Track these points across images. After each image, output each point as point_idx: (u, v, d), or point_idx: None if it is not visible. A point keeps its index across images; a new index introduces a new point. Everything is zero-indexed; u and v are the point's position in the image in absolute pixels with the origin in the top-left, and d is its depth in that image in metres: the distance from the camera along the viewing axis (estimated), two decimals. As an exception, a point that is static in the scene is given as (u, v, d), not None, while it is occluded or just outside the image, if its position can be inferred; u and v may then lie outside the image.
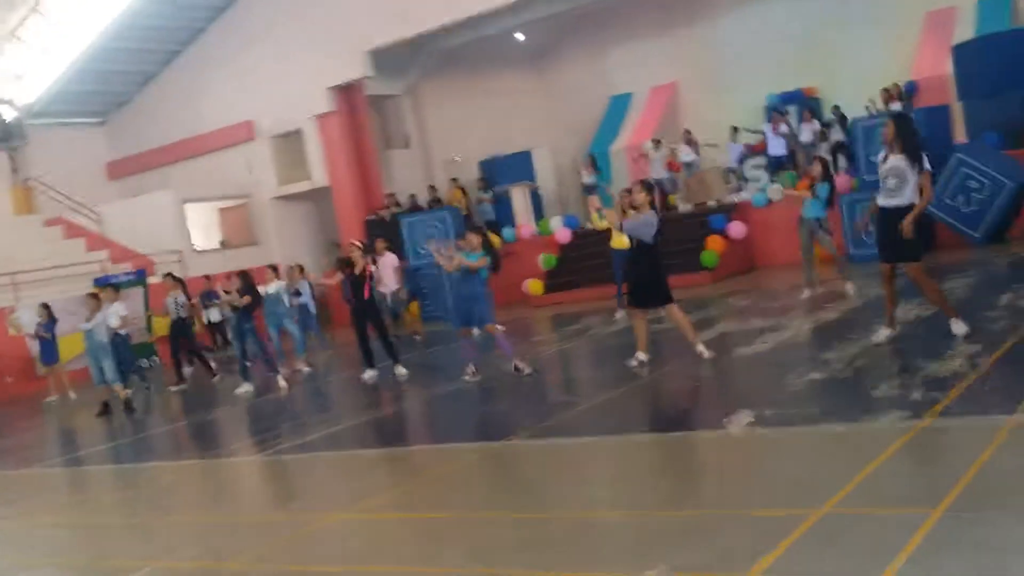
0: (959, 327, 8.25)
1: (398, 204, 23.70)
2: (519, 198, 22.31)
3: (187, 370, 16.17)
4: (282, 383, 13.32)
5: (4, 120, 24.79)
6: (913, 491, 4.97)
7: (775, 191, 18.86)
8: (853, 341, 9.15)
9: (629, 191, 10.03)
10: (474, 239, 10.78)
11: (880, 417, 6.34)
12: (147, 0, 22.71)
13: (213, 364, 16.24)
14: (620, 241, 12.77)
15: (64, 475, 10.24)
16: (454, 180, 24.05)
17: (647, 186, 9.68)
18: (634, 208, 9.57)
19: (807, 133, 19.50)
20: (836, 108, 20.21)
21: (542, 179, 24.11)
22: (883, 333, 8.67)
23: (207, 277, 18.96)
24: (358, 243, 12.74)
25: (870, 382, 7.45)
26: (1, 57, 24.93)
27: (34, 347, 18.49)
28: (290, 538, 6.12)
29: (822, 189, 12.54)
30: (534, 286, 19.85)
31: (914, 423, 6.08)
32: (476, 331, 11.26)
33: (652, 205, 9.47)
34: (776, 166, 19.90)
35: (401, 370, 12.23)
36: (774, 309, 12.68)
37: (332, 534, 6.06)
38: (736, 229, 18.59)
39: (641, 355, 9.70)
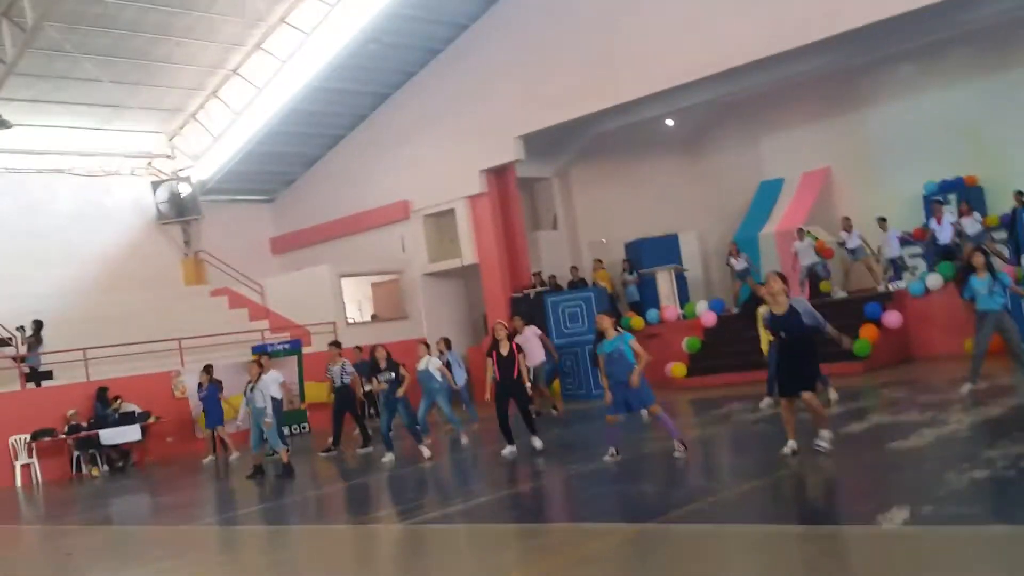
0: None
1: (543, 283, 24.00)
2: (664, 281, 22.26)
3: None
4: (426, 453, 13.59)
5: (181, 196, 26.54)
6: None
7: (934, 280, 18.23)
8: (1018, 440, 8.68)
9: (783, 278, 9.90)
10: (606, 321, 10.83)
11: (1048, 520, 5.98)
12: (314, 89, 24.08)
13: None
14: (765, 337, 12.68)
15: (217, 533, 10.65)
16: (599, 261, 24.21)
17: (782, 276, 9.58)
18: (771, 295, 9.50)
19: (974, 225, 18.79)
20: (1020, 193, 19.31)
21: (688, 262, 24.01)
22: None
23: (359, 348, 19.60)
24: (504, 324, 12.95)
25: (1037, 483, 7.05)
26: (181, 138, 26.83)
27: (197, 409, 19.52)
28: (431, 608, 6.19)
29: (989, 280, 11.99)
30: (677, 369, 19.65)
31: (1086, 529, 5.71)
32: (642, 413, 11.17)
33: (787, 296, 9.40)
34: (943, 255, 19.13)
35: (537, 441, 12.29)
36: (932, 402, 12.14)
37: (472, 607, 6.10)
38: (891, 318, 17.99)
39: (792, 443, 9.49)
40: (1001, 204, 20.15)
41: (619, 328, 10.93)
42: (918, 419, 10.81)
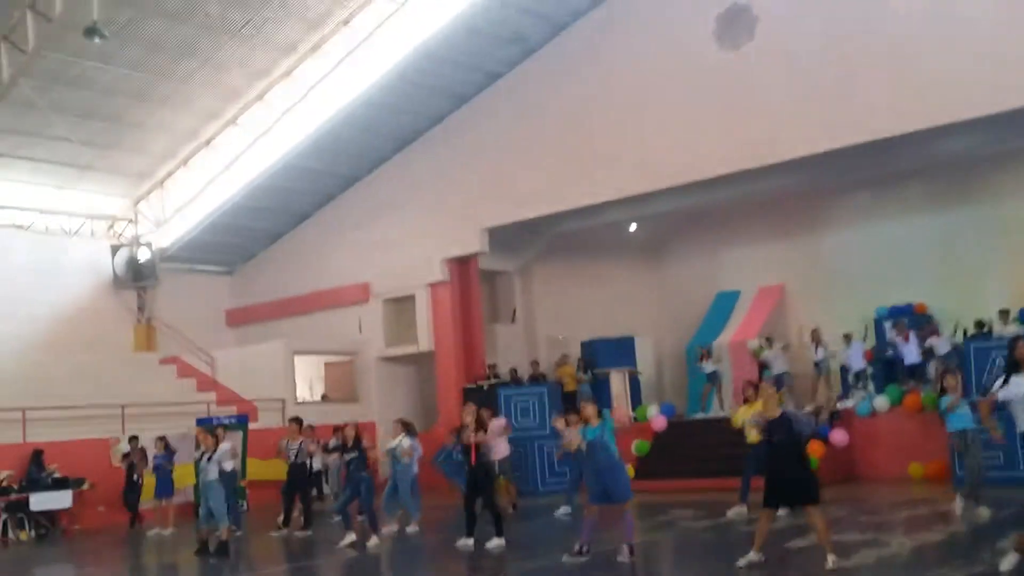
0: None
1: (496, 375, 23.98)
2: (618, 382, 22.38)
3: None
4: (375, 541, 13.31)
5: (139, 261, 26.33)
6: None
7: (881, 401, 18.54)
8: (958, 567, 8.76)
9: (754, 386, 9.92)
10: (590, 409, 10.80)
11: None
12: (283, 167, 24.26)
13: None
14: (753, 435, 12.70)
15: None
16: (565, 356, 24.27)
17: (777, 382, 9.69)
18: (764, 400, 9.54)
19: (945, 345, 19.22)
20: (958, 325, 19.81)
21: (642, 365, 24.19)
22: (1011, 559, 8.18)
23: (311, 427, 19.29)
24: (473, 407, 12.73)
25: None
26: (146, 203, 26.76)
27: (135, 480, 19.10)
28: None
29: (966, 402, 12.23)
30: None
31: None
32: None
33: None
34: (911, 375, 19.48)
35: (500, 542, 12.05)
36: (873, 523, 12.22)
37: None
38: (838, 436, 18.18)
39: (754, 555, 9.38)
40: (946, 332, 20.60)
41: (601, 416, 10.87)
42: (860, 539, 10.86)
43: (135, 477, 18.98)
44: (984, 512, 11.96)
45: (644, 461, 19.99)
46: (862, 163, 20.19)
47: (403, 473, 14.77)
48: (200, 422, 19.65)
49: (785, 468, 9.20)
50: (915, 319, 21.03)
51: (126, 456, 19.09)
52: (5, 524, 18.32)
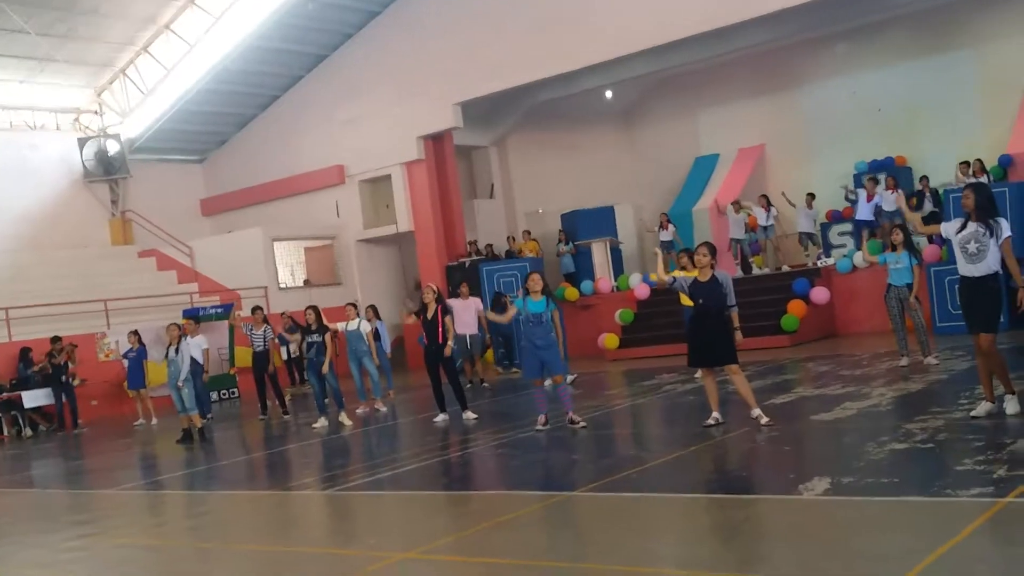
0: (1013, 406, 8.24)
1: (479, 252, 23.96)
2: (599, 252, 22.37)
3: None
4: (347, 421, 13.51)
5: (108, 154, 25.83)
6: (993, 570, 4.81)
7: (859, 257, 18.60)
8: (936, 414, 8.93)
9: (690, 252, 9.97)
10: (538, 280, 10.81)
11: (962, 492, 6.16)
12: (248, 48, 23.59)
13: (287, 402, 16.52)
14: (685, 299, 12.77)
15: (140, 498, 10.48)
16: (527, 232, 24.24)
17: (711, 248, 9.65)
18: (696, 267, 9.58)
19: (890, 202, 19.20)
20: (925, 178, 19.86)
21: (623, 235, 24.15)
22: (983, 407, 8.42)
23: (284, 314, 19.29)
24: (433, 287, 12.81)
25: (953, 456, 7.26)
26: (110, 94, 26.07)
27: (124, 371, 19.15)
28: (356, 574, 6.17)
29: (905, 256, 12.40)
30: (610, 340, 19.81)
31: (997, 500, 5.90)
32: (547, 382, 11.30)
33: (712, 268, 9.48)
34: (860, 232, 19.57)
35: (470, 415, 12.32)
36: (854, 377, 12.42)
37: (397, 573, 6.10)
38: (818, 294, 18.33)
39: (716, 415, 9.63)
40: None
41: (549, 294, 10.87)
42: (841, 392, 11.05)
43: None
44: (932, 361, 12.29)
45: (628, 329, 20.18)
46: (840, 13, 19.76)
47: (367, 355, 14.90)
48: (187, 313, 19.65)
49: (707, 331, 9.42)
50: (895, 172, 20.97)
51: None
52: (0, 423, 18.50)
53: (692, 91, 24.96)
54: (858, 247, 19.44)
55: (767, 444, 8.90)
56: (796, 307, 18.05)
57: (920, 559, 4.96)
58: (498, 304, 17.99)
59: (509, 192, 26.40)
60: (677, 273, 10.92)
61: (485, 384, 16.96)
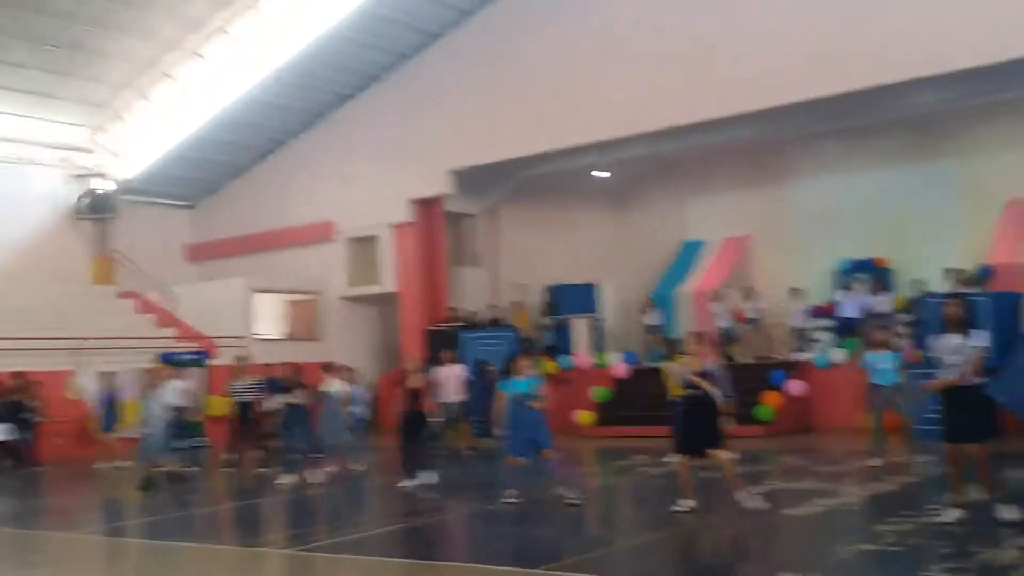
0: (1010, 513, 8.18)
1: (458, 319, 23.93)
2: (580, 328, 22.41)
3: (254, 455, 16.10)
4: (317, 479, 13.34)
5: (99, 193, 25.82)
6: None
7: (839, 354, 18.74)
8: (907, 517, 8.91)
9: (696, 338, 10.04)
10: (524, 362, 10.88)
11: (928, 598, 6.13)
12: (248, 100, 23.81)
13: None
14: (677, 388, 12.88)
15: (95, 543, 10.27)
16: (517, 303, 24.26)
17: (700, 337, 9.79)
18: (691, 354, 9.67)
19: (884, 304, 19.42)
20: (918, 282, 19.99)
21: (605, 312, 24.21)
22: (952, 513, 8.42)
23: (267, 365, 19.15)
24: (416, 359, 12.89)
25: (923, 562, 7.23)
26: (105, 135, 26.17)
27: (98, 411, 19.01)
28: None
29: (889, 356, 12.47)
30: (585, 417, 19.72)
31: (963, 609, 5.87)
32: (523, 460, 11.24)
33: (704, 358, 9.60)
34: (845, 331, 19.70)
35: (411, 484, 12.21)
36: (828, 473, 12.40)
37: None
38: (795, 387, 18.38)
39: (688, 502, 9.57)
40: (906, 287, 20.80)
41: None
42: (813, 488, 11.02)
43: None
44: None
45: (604, 407, 20.11)
46: (831, 114, 20.15)
47: (336, 416, 14.72)
48: (163, 357, 19.48)
49: (699, 421, 9.51)
50: (875, 272, 21.20)
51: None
52: (-42, 455, 18.15)
53: (683, 177, 25.27)
54: (839, 344, 19.60)
55: (735, 535, 8.85)
56: (772, 398, 18.07)
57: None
58: (482, 373, 17.96)
59: (495, 261, 26.49)
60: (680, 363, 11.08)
61: (468, 452, 16.82)
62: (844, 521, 9.13)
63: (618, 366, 20.79)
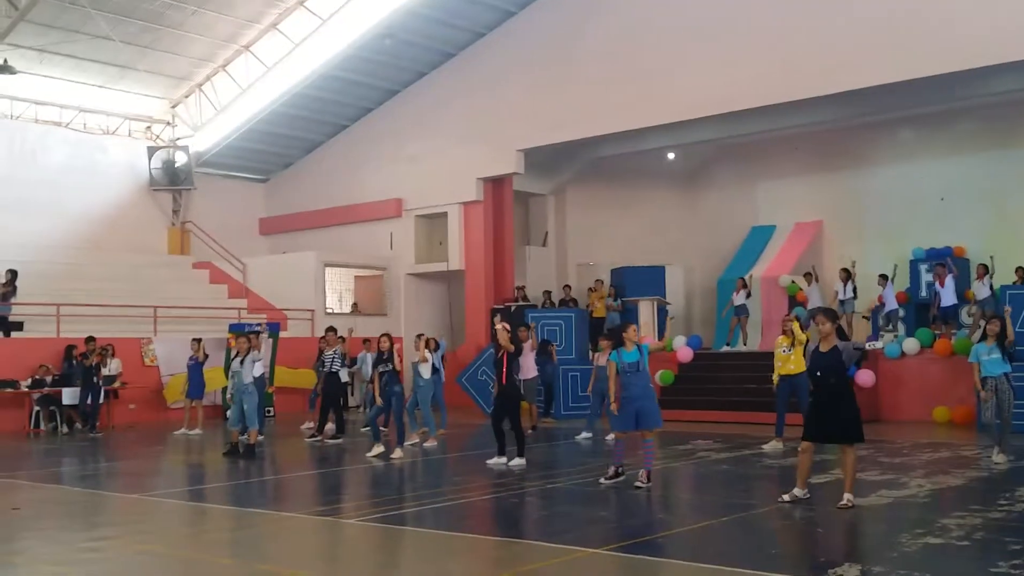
0: None
1: (525, 297, 24.02)
2: (646, 311, 22.30)
3: (330, 427, 16.32)
4: (399, 453, 13.51)
5: (175, 165, 26.40)
6: None
7: (911, 344, 18.38)
8: (975, 512, 8.73)
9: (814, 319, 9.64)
10: (632, 331, 10.76)
11: (995, 595, 6.01)
12: (323, 76, 24.09)
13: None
14: (790, 362, 12.74)
15: (173, 507, 10.56)
16: (599, 282, 24.15)
17: (830, 314, 9.41)
18: (822, 334, 9.25)
19: (984, 289, 18.90)
20: (983, 266, 19.46)
21: (672, 296, 24.05)
22: None
23: (341, 339, 19.43)
24: (507, 327, 12.51)
25: (990, 557, 7.08)
26: (183, 107, 26.72)
27: (167, 378, 19.59)
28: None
29: (996, 347, 12.07)
30: (648, 401, 19.61)
31: (1032, 608, 5.74)
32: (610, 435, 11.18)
33: (840, 334, 9.20)
34: (944, 317, 19.23)
35: (521, 462, 12.14)
36: (893, 464, 12.20)
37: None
38: (864, 377, 18.07)
39: (798, 491, 9.37)
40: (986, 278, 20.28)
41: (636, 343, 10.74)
42: (878, 479, 10.86)
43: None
44: (1001, 459, 11.91)
45: (667, 391, 20.00)
46: (909, 99, 19.71)
47: (424, 389, 14.88)
48: (233, 328, 19.92)
49: (833, 406, 9.06)
50: (954, 263, 20.69)
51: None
52: (37, 416, 18.80)
53: (754, 161, 24.95)
54: (911, 333, 19.16)
55: (799, 524, 8.76)
56: (839, 388, 17.77)
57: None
58: (543, 352, 18.00)
59: (562, 242, 26.50)
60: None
61: (530, 431, 16.93)
62: (910, 513, 8.98)
63: (683, 350, 20.65)
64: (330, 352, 16.41)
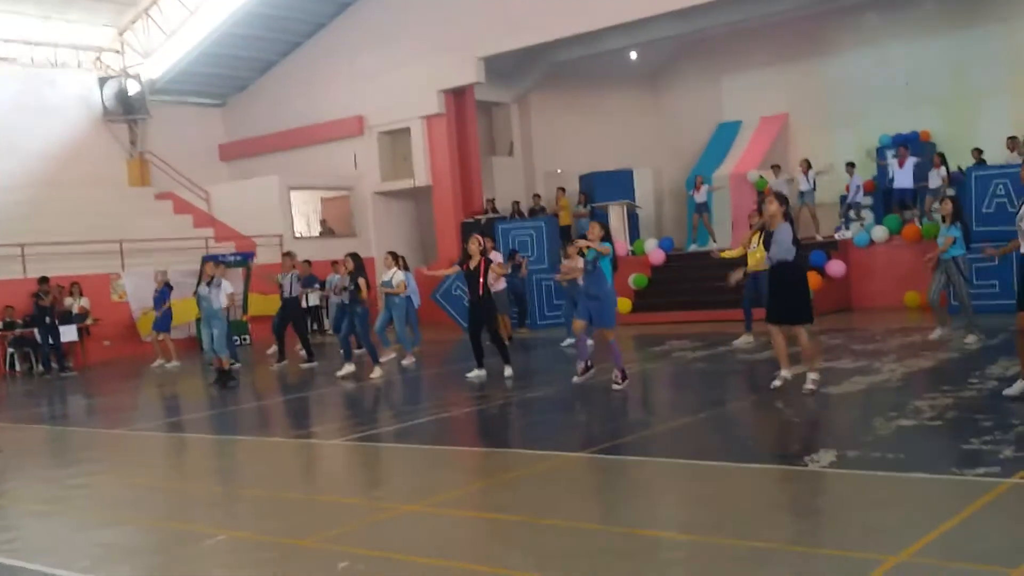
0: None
1: (495, 209, 23.91)
2: (616, 216, 22.26)
3: (302, 352, 16.30)
4: (378, 372, 13.52)
5: (128, 93, 25.76)
6: (993, 550, 4.82)
7: (880, 232, 18.50)
8: (946, 392, 8.91)
9: (760, 204, 9.70)
10: (597, 229, 10.75)
11: (967, 471, 6.16)
12: (275, -10, 23.43)
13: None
14: (755, 257, 12.69)
15: (155, 440, 10.59)
16: (561, 190, 24.10)
17: (780, 197, 9.41)
18: (769, 216, 9.25)
19: (936, 179, 18.99)
20: (940, 155, 19.52)
21: (641, 199, 24.03)
22: (1018, 386, 8.30)
23: (307, 262, 19.30)
24: (479, 238, 12.48)
25: (961, 435, 7.25)
26: (132, 34, 25.96)
27: (137, 312, 19.41)
28: (361, 523, 6.25)
29: (955, 229, 12.22)
30: (621, 304, 19.73)
31: (1003, 480, 5.89)
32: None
33: (786, 216, 9.22)
34: (900, 200, 19.37)
35: (509, 371, 12.20)
36: (866, 351, 12.40)
37: (401, 524, 6.17)
38: (835, 267, 18.24)
39: (785, 372, 9.54)
40: (952, 161, 20.39)
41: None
42: (851, 367, 11.04)
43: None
44: (972, 339, 12.13)
45: (641, 294, 20.15)
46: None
47: (398, 307, 14.86)
48: (208, 258, 19.70)
49: (785, 289, 9.23)
50: (919, 147, 20.73)
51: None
52: (11, 358, 18.69)
53: (717, 56, 24.69)
54: (878, 221, 19.30)
55: (774, 415, 8.91)
56: (811, 280, 17.92)
57: (921, 535, 4.98)
58: (512, 261, 17.98)
59: (528, 151, 26.28)
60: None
61: (507, 341, 16.99)
62: (884, 398, 9.15)
63: (655, 252, 20.72)
64: (287, 277, 16.24)
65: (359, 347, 14.71)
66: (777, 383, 9.52)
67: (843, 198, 20.68)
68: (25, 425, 12.28)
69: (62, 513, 7.19)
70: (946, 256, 12.26)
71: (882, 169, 20.68)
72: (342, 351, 14.08)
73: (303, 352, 16.18)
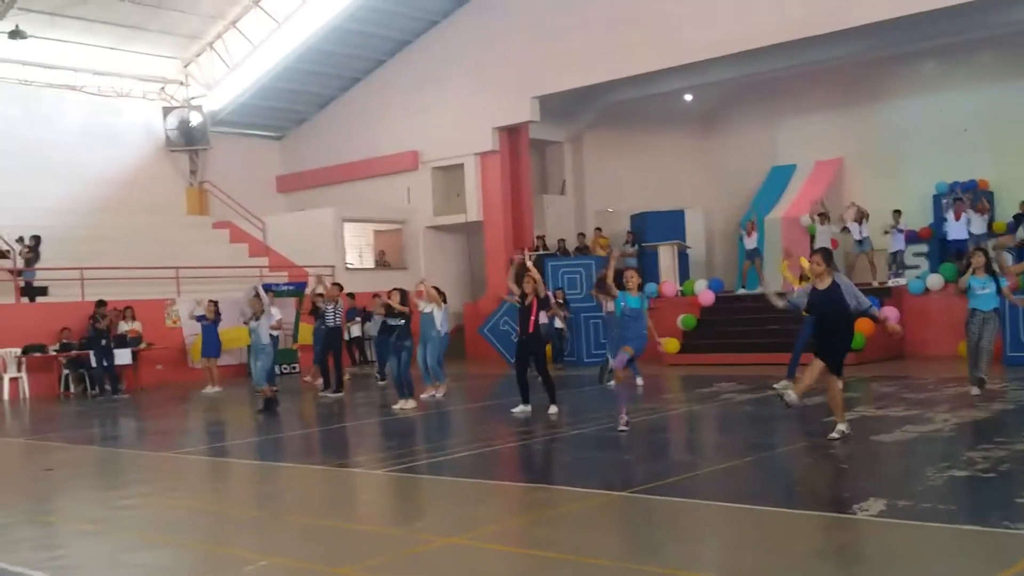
0: None
1: (545, 247, 23.97)
2: (666, 256, 22.22)
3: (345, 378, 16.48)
4: (405, 405, 13.57)
5: (190, 124, 26.37)
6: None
7: (935, 280, 18.23)
8: (1000, 444, 8.70)
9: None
10: (636, 278, 10.86)
11: (1020, 524, 6.00)
12: (334, 29, 23.87)
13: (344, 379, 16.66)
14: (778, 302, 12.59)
15: (201, 463, 10.70)
16: (598, 230, 24.17)
17: (827, 256, 9.38)
18: (815, 275, 9.28)
19: (980, 224, 18.71)
20: None
21: (692, 240, 23.95)
22: None
23: (351, 295, 19.50)
24: (536, 276, 12.36)
25: (1014, 488, 7.07)
26: (196, 66, 26.61)
27: (190, 339, 19.75)
28: (401, 554, 6.24)
29: (990, 280, 12.01)
30: (670, 344, 19.58)
31: (1058, 537, 5.73)
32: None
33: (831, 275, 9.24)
34: (956, 250, 19.11)
35: (554, 409, 12.11)
36: (918, 400, 12.16)
37: (442, 556, 6.15)
38: (887, 314, 17.92)
39: (843, 427, 9.31)
40: (1009, 210, 20.09)
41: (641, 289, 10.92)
42: (903, 415, 10.84)
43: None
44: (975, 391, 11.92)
45: (690, 335, 20.01)
46: (929, 30, 19.32)
47: (436, 340, 14.87)
48: (264, 287, 19.99)
49: (832, 338, 9.17)
50: (978, 195, 20.46)
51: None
52: (67, 379, 19.04)
53: (772, 100, 24.62)
54: (933, 269, 19.02)
55: (824, 461, 8.77)
56: (864, 325, 17.68)
57: (972, 589, 4.85)
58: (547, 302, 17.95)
59: (580, 189, 26.38)
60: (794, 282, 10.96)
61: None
62: (935, 447, 8.97)
63: (704, 294, 20.59)
64: (330, 306, 16.38)
65: (383, 379, 14.73)
66: (835, 435, 9.29)
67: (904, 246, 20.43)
68: (77, 445, 12.48)
69: (108, 533, 7.29)
70: (986, 309, 12.02)
71: (938, 216, 20.42)
72: (403, 387, 13.94)
73: (319, 381, 16.33)
